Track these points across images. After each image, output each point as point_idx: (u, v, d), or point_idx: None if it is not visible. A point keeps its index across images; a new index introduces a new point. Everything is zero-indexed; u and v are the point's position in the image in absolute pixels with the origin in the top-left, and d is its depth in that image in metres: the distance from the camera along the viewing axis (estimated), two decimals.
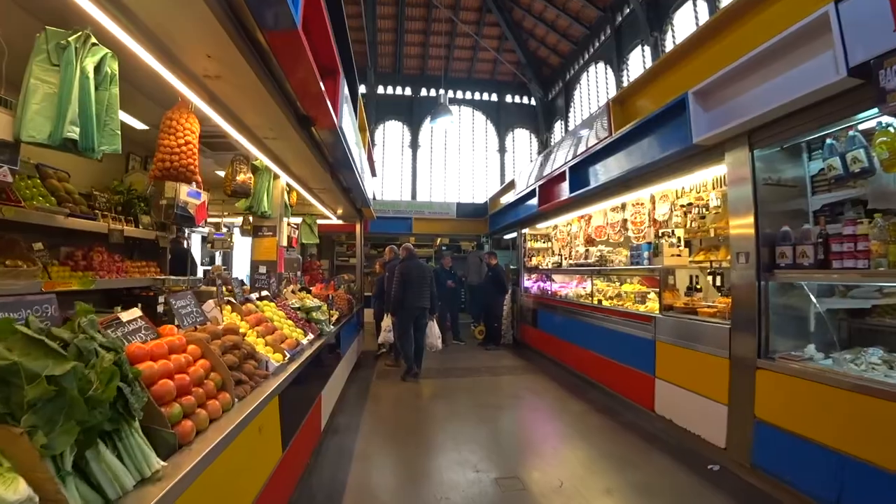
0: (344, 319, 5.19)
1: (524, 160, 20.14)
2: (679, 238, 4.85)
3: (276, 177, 4.02)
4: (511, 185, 9.63)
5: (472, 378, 6.26)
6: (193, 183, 2.65)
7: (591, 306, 5.82)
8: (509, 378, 6.31)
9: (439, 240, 13.22)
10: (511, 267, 10.53)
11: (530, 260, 9.00)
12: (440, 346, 6.51)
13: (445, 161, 20.37)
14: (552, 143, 18.41)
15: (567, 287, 7.42)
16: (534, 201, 7.63)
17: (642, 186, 5.07)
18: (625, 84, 11.23)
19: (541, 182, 7.12)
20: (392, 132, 20.18)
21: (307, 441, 3.02)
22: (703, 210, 4.88)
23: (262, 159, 3.32)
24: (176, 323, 2.00)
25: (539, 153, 19.40)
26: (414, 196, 19.50)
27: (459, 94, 20.42)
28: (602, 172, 5.36)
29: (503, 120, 20.82)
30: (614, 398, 5.07)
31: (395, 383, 5.95)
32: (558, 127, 19.60)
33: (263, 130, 2.83)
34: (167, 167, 2.30)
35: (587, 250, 6.47)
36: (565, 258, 7.53)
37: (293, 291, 4.53)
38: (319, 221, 7.86)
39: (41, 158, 3.53)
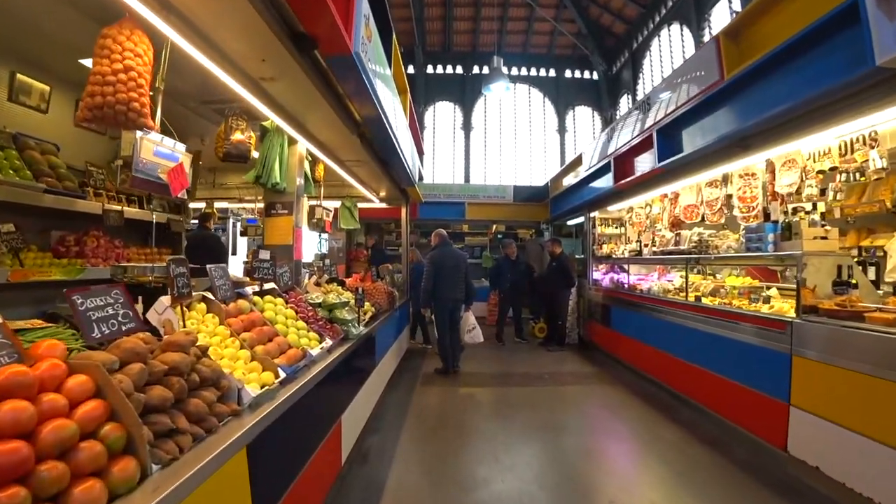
0: (382, 316, 4.47)
1: (586, 140, 18.61)
2: (821, 214, 3.65)
3: (292, 142, 3.33)
4: (577, 161, 8.51)
5: (533, 388, 5.35)
6: (162, 137, 1.98)
7: (685, 304, 4.70)
8: (578, 389, 5.34)
9: (495, 227, 12.32)
10: (577, 256, 9.45)
11: (600, 248, 7.87)
12: (479, 340, 6.04)
13: (500, 143, 19.30)
14: (617, 120, 16.71)
15: (647, 280, 6.28)
16: (606, 178, 6.51)
17: (763, 148, 3.89)
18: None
19: (617, 153, 6.00)
20: (443, 114, 19.38)
21: (313, 490, 2.29)
22: (856, 176, 3.64)
23: (266, 113, 2.62)
24: (81, 333, 1.30)
25: (602, 131, 17.75)
26: (467, 180, 18.63)
27: (514, 71, 19.18)
28: (706, 132, 4.21)
29: (562, 97, 19.35)
30: (720, 424, 3.98)
31: (442, 391, 5.18)
32: (624, 102, 17.86)
33: (253, 63, 2.10)
34: (97, 104, 1.61)
35: (677, 235, 5.31)
36: (645, 245, 6.37)
37: (318, 283, 3.86)
38: (361, 206, 7.23)
39: (26, 129, 3.07)
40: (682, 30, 13.78)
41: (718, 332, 4.04)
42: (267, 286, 2.71)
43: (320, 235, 12.17)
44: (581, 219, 9.38)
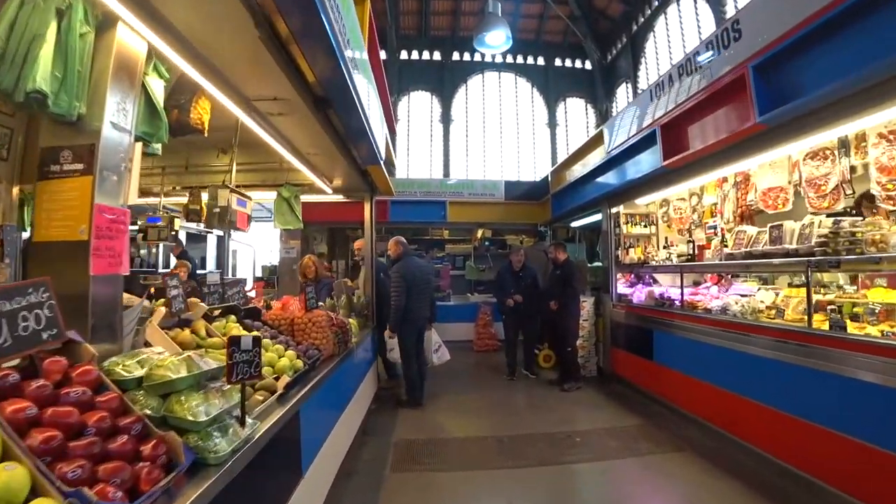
0: (323, 370, 2.70)
1: (579, 135, 17.27)
2: None
3: (106, 23, 1.58)
4: (593, 143, 6.95)
5: (565, 466, 3.63)
6: None
7: (809, 334, 3.09)
8: (633, 464, 3.65)
9: (481, 232, 10.67)
10: (594, 265, 7.88)
11: (626, 253, 6.28)
12: (446, 359, 5.67)
13: (484, 139, 17.72)
14: (614, 114, 15.51)
15: (705, 295, 4.70)
16: (647, 156, 4.92)
17: None
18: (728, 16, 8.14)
19: (671, 117, 4.40)
20: (419, 104, 17.73)
21: None
22: None
23: None
24: None
25: (597, 126, 16.52)
26: (447, 177, 17.00)
27: (499, 58, 17.75)
28: (858, 57, 2.64)
29: (553, 88, 18.01)
30: None
31: (428, 482, 3.41)
32: (623, 92, 16.61)
33: None
34: None
35: (776, 229, 3.70)
36: (710, 247, 4.81)
37: (180, 319, 2.06)
38: (309, 198, 5.45)
39: None
40: (695, 4, 12.50)
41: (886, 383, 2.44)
42: None
43: (283, 243, 10.31)
44: (592, 218, 7.85)
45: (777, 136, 3.40)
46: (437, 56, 17.75)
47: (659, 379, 4.95)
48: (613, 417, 4.74)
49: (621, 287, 6.29)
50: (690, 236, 5.33)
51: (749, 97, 3.31)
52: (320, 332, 2.94)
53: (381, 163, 4.34)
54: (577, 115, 18.14)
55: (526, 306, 6.26)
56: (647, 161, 4.95)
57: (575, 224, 9.20)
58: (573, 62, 18.24)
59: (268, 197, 5.11)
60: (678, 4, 13.22)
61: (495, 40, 10.15)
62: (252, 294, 4.13)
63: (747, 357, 3.57)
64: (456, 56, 17.69)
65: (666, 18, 13.93)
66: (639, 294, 5.87)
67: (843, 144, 3.58)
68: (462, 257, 10.84)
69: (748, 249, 3.94)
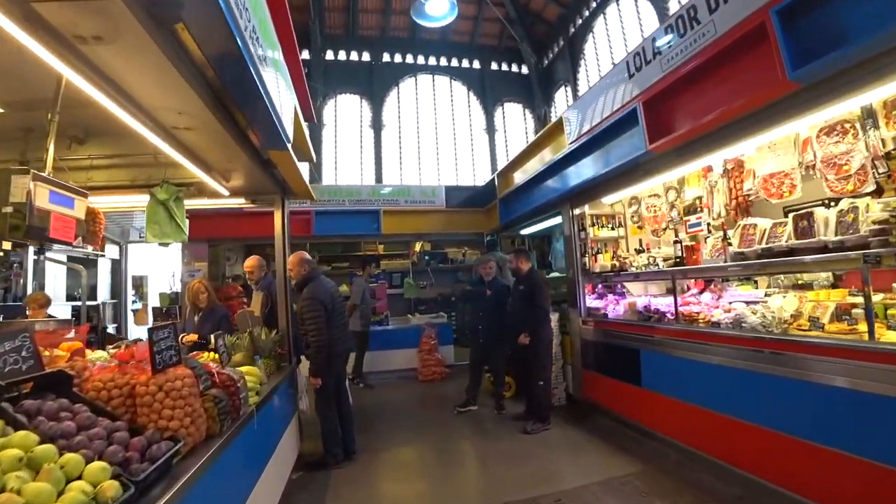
0: (180, 481, 1.55)
1: (518, 140, 16.94)
2: None
3: None
4: (550, 135, 6.21)
5: None
6: None
7: (883, 352, 2.38)
8: None
9: (419, 245, 9.71)
10: (550, 276, 7.18)
11: (595, 261, 5.55)
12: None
13: (419, 145, 16.86)
14: (551, 118, 15.31)
15: (695, 305, 4.02)
16: (626, 141, 4.19)
17: None
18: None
19: (660, 88, 3.67)
20: (347, 108, 16.55)
21: None
22: None
23: None
24: None
25: (536, 132, 16.23)
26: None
27: (432, 61, 17.10)
28: None
29: (490, 92, 17.60)
30: None
31: None
32: (562, 96, 16.52)
33: None
34: None
35: (805, 220, 3.03)
36: (705, 247, 4.14)
37: None
38: (198, 204, 4.21)
39: None
40: (636, 2, 12.46)
41: None
42: None
43: (185, 265, 8.62)
44: (547, 223, 7.17)
45: (814, 96, 2.72)
46: (366, 57, 16.75)
47: (652, 409, 4.18)
48: (605, 464, 3.87)
49: (589, 300, 5.55)
50: (676, 236, 4.68)
51: (774, 50, 2.61)
52: (181, 408, 1.77)
53: (289, 147, 3.22)
54: (515, 120, 17.84)
55: (494, 327, 5.38)
56: (624, 148, 4.22)
57: (525, 231, 8.49)
58: (510, 66, 17.99)
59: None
60: (618, 4, 13.21)
61: (437, 9, 9.11)
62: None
63: (786, 384, 2.83)
64: (387, 57, 16.80)
65: (605, 19, 13.93)
66: (614, 307, 5.14)
67: (869, 115, 3.01)
68: (400, 273, 9.80)
69: (765, 246, 3.25)
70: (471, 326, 5.88)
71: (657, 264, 4.55)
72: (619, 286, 5.53)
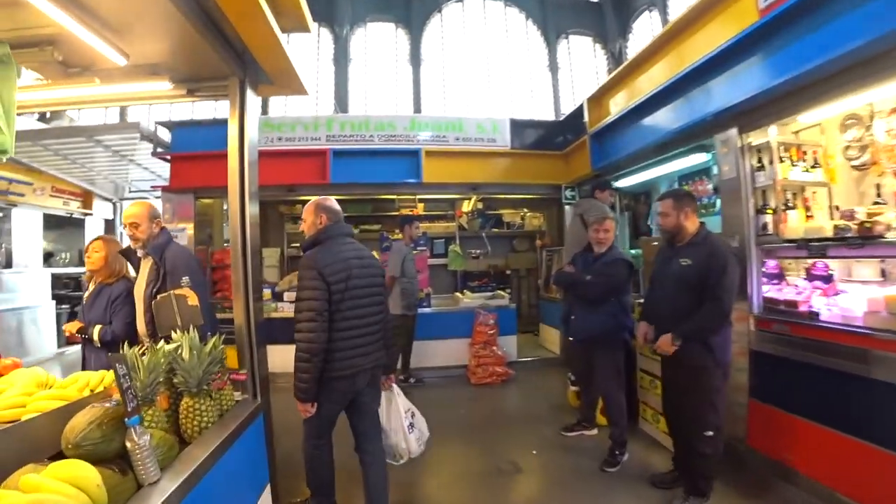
0: None
1: (588, 82, 14.46)
2: None
3: None
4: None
5: None
6: None
7: None
8: None
9: (471, 201, 7.75)
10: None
11: (784, 219, 3.40)
12: (426, 437, 2.93)
13: (465, 86, 14.65)
14: (626, 55, 12.85)
15: None
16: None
17: None
18: None
19: None
20: (379, 39, 14.59)
21: None
22: None
23: None
24: None
25: (609, 71, 13.80)
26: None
27: None
28: None
29: (552, 21, 15.16)
30: None
31: None
32: (644, 24, 13.91)
33: None
34: None
35: None
36: None
37: None
38: (68, 97, 2.34)
39: None
40: None
41: None
42: None
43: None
44: (671, 167, 5.05)
45: None
46: None
47: None
48: None
49: (771, 290, 3.45)
50: None
51: None
52: None
53: None
54: (584, 56, 15.36)
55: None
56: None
57: (621, 184, 6.28)
58: None
59: None
60: None
61: None
62: None
63: None
64: None
65: None
66: (827, 301, 3.03)
67: None
68: (443, 239, 7.88)
69: None
70: (564, 319, 3.93)
71: None
72: (823, 267, 3.39)
